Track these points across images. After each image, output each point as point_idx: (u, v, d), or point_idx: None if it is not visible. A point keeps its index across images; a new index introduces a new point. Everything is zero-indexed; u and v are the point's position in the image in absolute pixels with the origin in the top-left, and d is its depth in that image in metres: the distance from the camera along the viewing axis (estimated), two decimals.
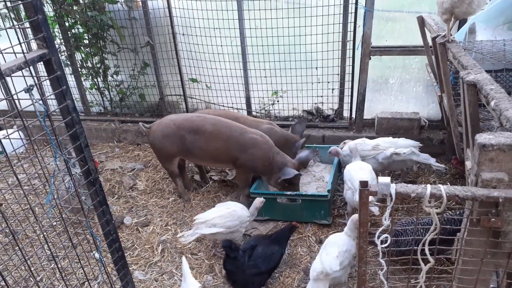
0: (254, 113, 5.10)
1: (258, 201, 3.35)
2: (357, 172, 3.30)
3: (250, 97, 5.04)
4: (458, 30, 3.76)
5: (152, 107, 5.45)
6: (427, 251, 1.73)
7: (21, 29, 2.30)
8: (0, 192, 1.88)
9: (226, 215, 3.17)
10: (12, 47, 1.65)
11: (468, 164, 2.53)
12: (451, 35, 2.85)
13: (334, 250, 2.71)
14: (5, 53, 1.63)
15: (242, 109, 5.09)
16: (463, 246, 1.76)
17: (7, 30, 1.67)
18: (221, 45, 4.68)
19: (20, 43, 1.62)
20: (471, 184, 1.73)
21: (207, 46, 4.72)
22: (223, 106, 5.10)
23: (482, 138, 1.60)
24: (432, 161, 3.73)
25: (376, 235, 1.71)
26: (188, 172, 4.53)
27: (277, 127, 4.21)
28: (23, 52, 1.58)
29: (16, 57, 1.70)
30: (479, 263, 1.73)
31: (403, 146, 3.72)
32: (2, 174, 3.63)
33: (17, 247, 3.10)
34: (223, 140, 3.70)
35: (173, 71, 5.06)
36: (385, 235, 1.73)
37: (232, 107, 5.08)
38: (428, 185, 1.61)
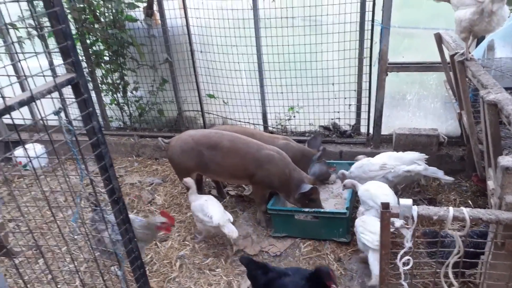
0: (270, 128, 5.13)
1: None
2: (377, 189, 3.28)
3: (266, 112, 5.08)
4: (476, 47, 3.74)
5: (170, 122, 5.53)
6: (450, 275, 1.71)
7: (49, 53, 2.39)
8: (25, 205, 1.95)
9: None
10: (42, 72, 1.72)
11: (490, 183, 2.50)
12: (469, 53, 2.84)
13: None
14: (36, 76, 1.70)
15: (258, 125, 5.13)
16: (487, 270, 1.73)
17: (35, 53, 1.74)
18: (238, 62, 4.75)
19: (50, 68, 1.69)
20: (494, 206, 1.71)
21: (224, 63, 4.80)
22: (240, 121, 5.15)
23: (505, 160, 1.59)
24: (440, 174, 3.68)
25: (398, 257, 1.71)
26: (205, 187, 4.56)
27: (293, 142, 4.22)
28: (53, 77, 1.65)
29: (45, 80, 1.78)
30: (504, 287, 1.70)
31: (409, 160, 3.69)
32: (27, 188, 3.74)
33: (40, 260, 3.17)
34: (239, 156, 3.73)
35: (191, 87, 5.15)
36: (407, 257, 1.72)
37: (249, 123, 5.13)
38: (451, 208, 1.60)
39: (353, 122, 4.85)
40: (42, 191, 1.84)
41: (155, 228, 3.01)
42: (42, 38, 3.90)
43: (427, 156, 3.80)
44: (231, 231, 3.46)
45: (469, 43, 2.80)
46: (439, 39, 3.61)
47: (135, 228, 2.98)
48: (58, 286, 1.94)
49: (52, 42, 4.88)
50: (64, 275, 3.32)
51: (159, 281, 3.35)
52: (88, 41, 5.05)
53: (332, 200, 4.05)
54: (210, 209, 3.49)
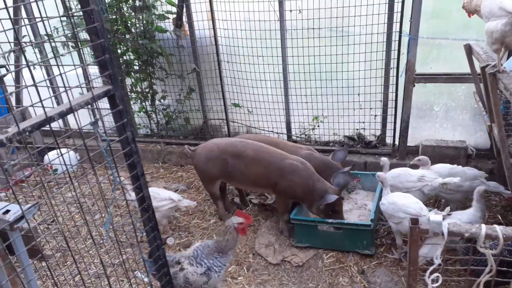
0: (294, 138, 5.15)
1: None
2: (404, 199, 3.24)
3: (290, 121, 5.10)
4: (508, 58, 3.66)
5: (196, 130, 5.63)
6: None
7: (87, 66, 2.50)
8: (56, 207, 2.03)
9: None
10: (80, 85, 1.81)
11: None
12: (501, 65, 2.78)
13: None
14: (75, 87, 1.79)
15: (282, 134, 5.15)
16: None
17: (74, 67, 1.82)
18: (264, 72, 4.80)
19: (89, 81, 1.77)
20: None
21: (250, 73, 4.86)
22: (264, 130, 5.19)
23: None
24: (501, 188, 3.58)
25: (427, 274, 1.68)
26: (228, 195, 4.61)
27: (317, 152, 4.21)
28: (91, 89, 1.72)
29: (82, 91, 1.86)
30: None
31: (471, 176, 3.61)
32: (59, 191, 3.87)
33: (68, 262, 3.27)
34: (263, 166, 3.76)
35: (216, 96, 5.23)
36: (436, 274, 1.70)
37: (273, 131, 5.16)
38: (483, 225, 1.57)
39: (378, 132, 4.81)
40: (76, 196, 1.91)
41: (235, 230, 2.82)
42: (80, 53, 4.07)
43: (486, 175, 3.71)
44: (189, 203, 3.84)
45: (501, 55, 2.74)
46: (469, 50, 3.55)
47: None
48: (85, 285, 2.00)
49: (86, 51, 5.09)
50: (92, 277, 3.41)
51: None
52: (119, 51, 5.22)
53: (356, 211, 4.02)
54: (161, 192, 3.77)
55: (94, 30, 1.73)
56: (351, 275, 3.38)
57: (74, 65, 1.84)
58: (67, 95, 1.75)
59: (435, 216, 1.59)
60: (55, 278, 3.00)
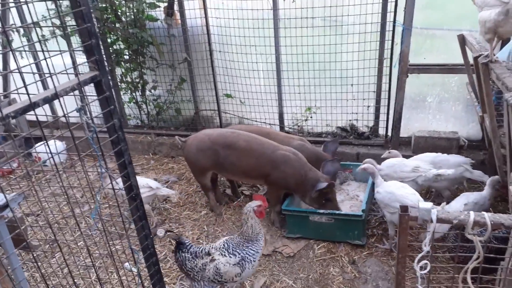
0: (286, 129, 5.12)
1: None
2: (402, 189, 3.24)
3: (283, 112, 5.07)
4: (501, 49, 3.65)
5: (187, 121, 5.58)
6: (469, 280, 1.67)
7: (73, 51, 2.43)
8: (44, 199, 2.00)
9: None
10: (66, 70, 1.76)
11: None
12: (494, 55, 2.77)
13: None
14: (60, 73, 1.74)
15: (274, 125, 5.12)
16: (507, 276, 1.69)
17: (60, 52, 1.78)
18: (256, 62, 4.76)
19: (74, 67, 1.72)
20: None
21: (242, 62, 4.81)
22: (256, 121, 5.15)
23: None
24: (485, 178, 3.59)
25: (416, 262, 1.68)
26: (220, 186, 4.58)
27: (308, 143, 4.19)
28: (77, 75, 1.68)
29: (68, 77, 1.81)
30: None
31: (454, 163, 3.64)
32: (47, 183, 3.82)
33: (57, 254, 3.23)
34: (255, 157, 3.73)
35: (208, 86, 5.18)
36: (425, 261, 1.69)
37: (265, 123, 5.13)
38: (472, 212, 1.56)
39: (371, 123, 4.80)
40: (62, 186, 1.88)
41: (255, 214, 2.77)
42: (66, 37, 3.99)
43: (473, 161, 3.77)
44: (168, 191, 3.89)
45: (494, 45, 2.73)
46: (462, 40, 3.54)
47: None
48: (74, 280, 1.97)
49: (74, 41, 5.00)
50: (80, 269, 3.38)
51: (172, 278, 3.38)
52: (108, 40, 5.14)
53: (348, 202, 4.02)
54: (139, 179, 3.68)
55: (80, 14, 1.69)
56: (342, 265, 3.38)
57: (60, 50, 1.79)
58: (52, 80, 1.70)
59: (424, 203, 1.58)
60: (43, 270, 2.97)
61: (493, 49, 2.76)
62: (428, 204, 1.60)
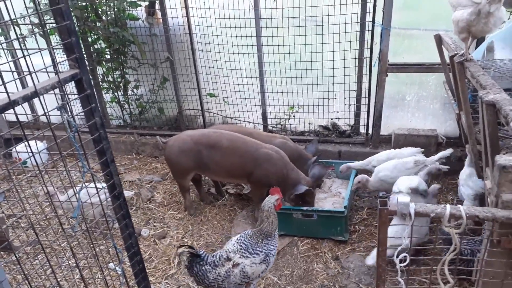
0: (270, 128, 5.16)
1: None
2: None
3: (266, 111, 5.10)
4: (476, 48, 3.76)
5: (171, 120, 5.55)
6: (446, 272, 1.73)
7: (53, 50, 2.40)
8: (26, 200, 1.97)
9: None
10: (45, 68, 1.74)
11: (488, 183, 2.52)
12: (469, 53, 2.86)
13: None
14: (40, 71, 1.72)
15: (258, 124, 5.15)
16: (483, 267, 1.75)
17: (39, 50, 1.76)
18: (239, 61, 4.77)
19: (54, 64, 1.71)
20: (491, 204, 1.74)
21: (225, 62, 4.82)
22: (240, 120, 5.17)
23: (502, 159, 1.62)
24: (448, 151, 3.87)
25: (395, 255, 1.73)
26: (204, 186, 4.58)
27: (291, 142, 4.24)
28: (57, 73, 1.67)
29: (48, 76, 1.80)
30: (500, 285, 1.72)
31: (408, 154, 3.86)
32: (28, 184, 3.76)
33: (39, 256, 3.18)
34: (238, 156, 3.75)
35: (191, 86, 5.17)
36: (404, 254, 1.75)
37: (249, 122, 5.15)
38: (448, 205, 1.62)
39: (352, 122, 4.88)
40: (44, 185, 1.86)
41: (275, 208, 2.77)
42: (45, 35, 3.91)
43: (423, 149, 3.98)
44: (126, 193, 3.89)
45: (468, 44, 2.81)
46: (439, 40, 3.63)
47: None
48: (58, 280, 1.95)
49: (54, 40, 4.92)
50: (64, 270, 3.33)
51: (157, 277, 3.37)
52: (89, 39, 5.07)
53: (330, 199, 4.08)
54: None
55: (59, 11, 1.68)
56: (325, 261, 3.44)
57: (39, 48, 1.78)
58: (32, 79, 1.69)
59: (402, 197, 1.63)
60: (26, 272, 2.92)
61: (468, 48, 2.84)
62: (406, 198, 1.65)
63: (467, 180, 3.40)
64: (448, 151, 3.87)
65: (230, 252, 2.69)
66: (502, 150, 2.73)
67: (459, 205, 1.60)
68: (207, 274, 2.64)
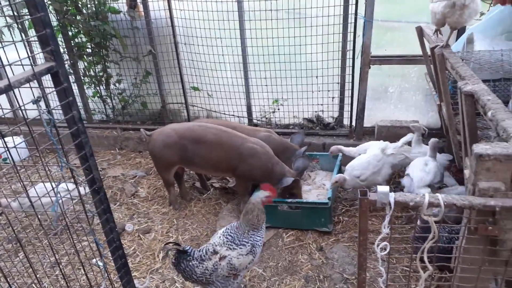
0: (255, 121, 5.15)
1: None
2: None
3: (251, 105, 5.09)
4: (456, 40, 3.81)
5: (154, 115, 5.50)
6: (425, 259, 1.76)
7: (28, 42, 2.35)
8: (5, 198, 1.93)
9: None
10: (20, 60, 1.70)
11: (467, 172, 2.56)
12: (446, 43, 2.90)
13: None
14: (14, 65, 1.68)
15: (243, 117, 5.13)
16: (461, 254, 1.79)
17: (14, 42, 1.72)
18: (223, 54, 4.74)
19: (28, 56, 1.67)
20: (468, 193, 1.77)
21: (208, 55, 4.78)
22: (225, 114, 5.15)
23: (479, 148, 1.64)
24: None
25: (376, 243, 1.75)
26: (189, 179, 4.56)
27: (276, 134, 4.24)
28: (32, 65, 1.63)
29: (24, 70, 1.76)
30: (477, 271, 1.76)
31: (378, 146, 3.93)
32: (7, 181, 3.68)
33: (20, 253, 3.13)
34: (224, 150, 3.74)
35: (174, 79, 5.12)
36: (385, 242, 1.77)
37: (233, 115, 5.13)
38: (427, 194, 1.64)
39: (336, 114, 4.90)
40: (20, 181, 1.82)
41: (262, 205, 2.76)
42: (23, 28, 3.82)
43: (386, 142, 4.06)
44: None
45: (449, 35, 2.86)
46: (420, 32, 3.66)
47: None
48: (38, 276, 1.92)
49: (33, 34, 4.80)
50: (46, 267, 3.29)
51: (142, 272, 3.35)
52: (70, 33, 4.97)
53: (314, 191, 4.10)
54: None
55: (32, 3, 1.64)
56: (310, 252, 3.46)
57: (14, 41, 1.73)
58: (5, 72, 1.64)
59: (382, 187, 1.64)
60: (7, 270, 2.87)
61: (448, 39, 2.88)
62: (386, 188, 1.67)
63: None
64: (409, 136, 3.99)
65: (216, 246, 2.68)
66: (481, 140, 2.78)
67: (438, 194, 1.63)
68: (195, 269, 2.63)
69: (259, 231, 2.76)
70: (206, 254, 2.67)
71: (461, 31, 3.84)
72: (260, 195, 2.75)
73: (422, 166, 3.47)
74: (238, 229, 2.73)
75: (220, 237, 2.73)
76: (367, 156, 3.80)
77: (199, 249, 2.72)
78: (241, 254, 2.64)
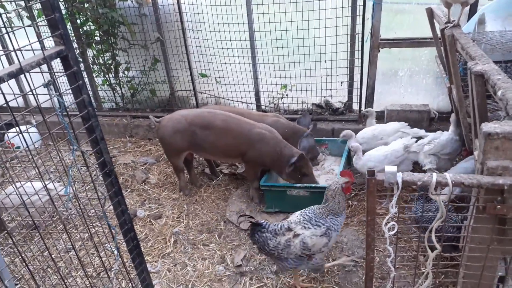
0: (263, 107, 5.15)
1: None
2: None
3: (259, 91, 5.09)
4: (467, 20, 3.75)
5: (163, 102, 5.53)
6: (433, 238, 1.77)
7: (37, 27, 2.37)
8: (20, 184, 1.98)
9: None
10: (30, 44, 1.72)
11: (476, 153, 2.55)
12: (459, 25, 2.85)
13: None
14: (24, 50, 1.71)
15: (251, 103, 5.13)
16: (469, 233, 1.79)
17: (23, 26, 1.74)
18: (230, 40, 4.73)
19: (38, 40, 1.69)
20: (477, 172, 1.76)
21: (216, 41, 4.77)
22: (233, 100, 5.15)
23: (488, 127, 1.63)
24: (421, 132, 3.98)
25: (384, 223, 1.76)
26: (199, 166, 4.59)
27: (284, 119, 4.24)
28: (42, 49, 1.65)
29: (34, 54, 1.78)
30: (486, 250, 1.76)
31: (392, 130, 3.99)
32: (22, 168, 3.75)
33: (35, 238, 3.21)
34: (232, 136, 3.76)
35: (183, 66, 5.13)
36: (392, 222, 1.78)
37: (242, 102, 5.14)
38: (434, 173, 1.64)
39: (345, 99, 4.87)
40: (36, 167, 1.86)
41: (343, 190, 2.73)
42: (30, 12, 3.84)
43: (406, 123, 4.12)
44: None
45: (460, 13, 2.81)
46: (430, 14, 3.60)
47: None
48: (55, 261, 1.98)
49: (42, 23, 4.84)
50: (60, 252, 3.37)
51: (153, 256, 3.41)
52: (78, 21, 5.00)
53: (324, 176, 4.11)
54: (38, 185, 3.31)
55: None
56: None
57: (24, 26, 1.75)
58: (16, 55, 1.67)
59: (389, 166, 1.64)
60: (23, 255, 2.95)
61: (459, 19, 2.84)
62: (394, 168, 1.67)
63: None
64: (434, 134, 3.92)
65: (292, 223, 2.73)
66: (490, 121, 2.75)
67: (446, 173, 1.63)
68: (268, 241, 2.70)
69: (339, 217, 2.75)
70: (280, 229, 2.72)
71: (472, 11, 3.77)
72: (340, 181, 2.75)
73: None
74: (317, 210, 2.76)
75: (297, 216, 2.78)
76: (386, 150, 3.75)
77: (274, 224, 2.78)
78: (315, 235, 2.65)
